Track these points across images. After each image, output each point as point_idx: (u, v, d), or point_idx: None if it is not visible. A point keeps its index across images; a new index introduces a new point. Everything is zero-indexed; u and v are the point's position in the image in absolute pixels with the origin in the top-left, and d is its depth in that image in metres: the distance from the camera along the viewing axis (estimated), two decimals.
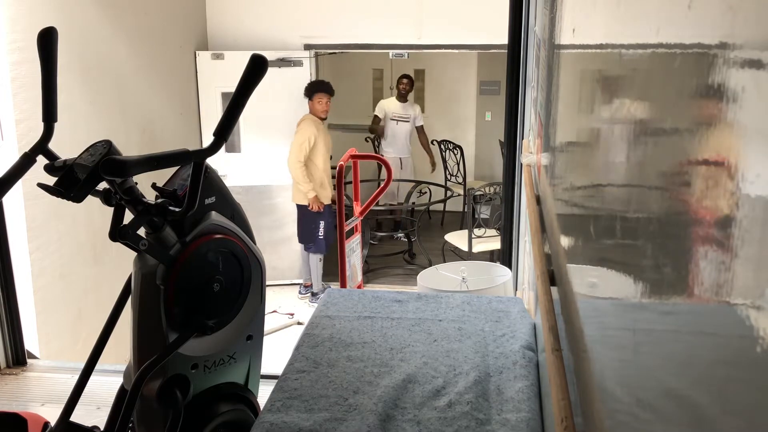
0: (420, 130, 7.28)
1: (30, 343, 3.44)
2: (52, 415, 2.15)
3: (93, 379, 2.08)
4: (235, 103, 1.74)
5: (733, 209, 0.45)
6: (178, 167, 1.95)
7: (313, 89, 5.57)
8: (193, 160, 1.74)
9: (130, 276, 1.94)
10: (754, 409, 0.41)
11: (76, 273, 3.97)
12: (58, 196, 1.76)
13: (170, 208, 1.79)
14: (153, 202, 1.79)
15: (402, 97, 7.10)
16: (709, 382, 0.51)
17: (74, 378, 2.14)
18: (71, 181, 1.76)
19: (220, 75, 5.60)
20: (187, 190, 1.76)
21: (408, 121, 7.11)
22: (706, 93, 0.51)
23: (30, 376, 3.21)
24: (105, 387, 2.65)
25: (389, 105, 7.16)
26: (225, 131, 1.74)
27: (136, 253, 1.87)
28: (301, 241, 5.87)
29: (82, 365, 2.09)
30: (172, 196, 1.87)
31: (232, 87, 1.75)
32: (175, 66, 5.44)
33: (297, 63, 5.77)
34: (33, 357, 3.41)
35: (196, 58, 5.69)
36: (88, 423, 2.12)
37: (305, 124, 5.53)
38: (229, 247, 1.91)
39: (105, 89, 4.34)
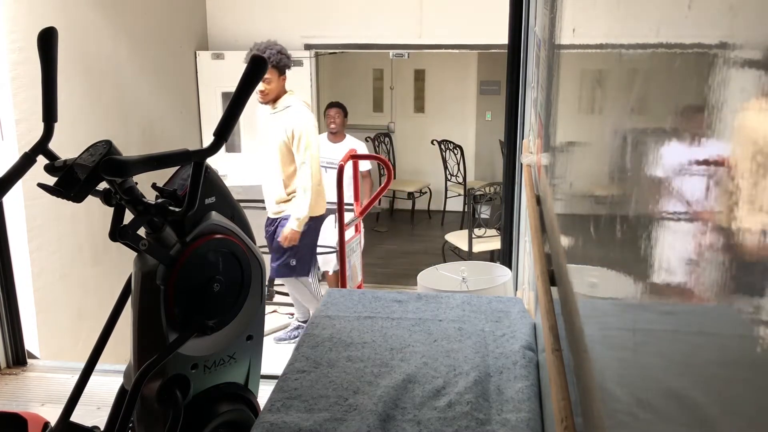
0: (364, 176, 4.99)
1: (30, 343, 3.44)
2: (52, 415, 2.15)
3: (93, 379, 2.08)
4: (235, 103, 1.74)
5: (734, 209, 0.45)
6: (178, 167, 1.95)
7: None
8: (193, 160, 1.74)
9: (130, 276, 1.94)
10: (754, 409, 0.41)
11: (76, 273, 3.97)
12: (58, 196, 1.76)
13: (170, 208, 1.79)
14: (153, 202, 1.79)
15: (333, 135, 5.14)
16: (709, 382, 0.51)
17: (74, 378, 2.14)
18: (71, 181, 1.76)
19: (220, 75, 5.59)
20: (187, 190, 1.76)
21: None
22: (706, 93, 0.51)
23: (30, 376, 3.21)
24: (105, 387, 2.65)
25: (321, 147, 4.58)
26: (225, 131, 1.74)
27: (136, 253, 1.87)
28: None
29: (82, 365, 2.09)
30: (172, 196, 1.87)
31: (232, 87, 1.75)
32: (175, 66, 5.44)
33: (297, 63, 5.76)
34: (33, 357, 3.41)
35: (196, 58, 5.68)
36: (88, 423, 2.12)
37: None
38: (229, 247, 1.91)
39: (105, 89, 4.34)
